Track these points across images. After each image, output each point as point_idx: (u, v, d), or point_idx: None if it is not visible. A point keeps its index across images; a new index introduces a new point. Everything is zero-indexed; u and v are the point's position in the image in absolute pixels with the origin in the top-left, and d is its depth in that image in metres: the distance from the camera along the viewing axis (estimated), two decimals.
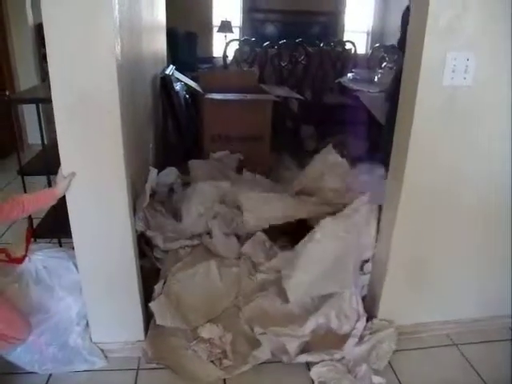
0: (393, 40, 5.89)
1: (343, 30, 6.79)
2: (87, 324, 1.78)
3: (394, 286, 1.88)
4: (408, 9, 3.03)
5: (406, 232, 1.77)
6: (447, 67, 1.49)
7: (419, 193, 1.70)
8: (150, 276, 2.10)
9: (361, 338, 1.81)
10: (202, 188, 2.50)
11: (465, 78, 1.52)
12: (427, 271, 1.90)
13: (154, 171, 2.48)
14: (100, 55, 1.37)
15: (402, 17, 3.05)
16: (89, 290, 1.72)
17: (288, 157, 3.91)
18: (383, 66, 3.89)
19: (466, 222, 1.83)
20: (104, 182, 1.54)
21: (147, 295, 1.90)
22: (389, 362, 1.81)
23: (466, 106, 1.58)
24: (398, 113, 1.66)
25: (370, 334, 1.82)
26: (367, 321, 1.89)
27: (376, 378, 1.65)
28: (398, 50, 3.33)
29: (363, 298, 2.07)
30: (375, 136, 4.11)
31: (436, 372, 1.82)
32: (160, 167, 2.70)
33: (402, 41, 3.15)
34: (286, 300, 1.92)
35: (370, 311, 1.97)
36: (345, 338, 1.79)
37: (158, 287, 2.02)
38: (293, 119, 4.44)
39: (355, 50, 5.29)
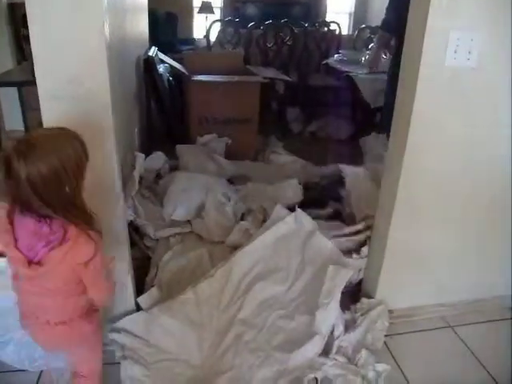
0: (376, 21, 5.84)
1: (326, 11, 6.70)
2: None
3: (391, 269, 1.87)
4: None
5: (404, 216, 1.75)
6: (450, 47, 1.44)
7: (419, 176, 1.67)
8: (140, 265, 2.05)
9: (353, 322, 1.79)
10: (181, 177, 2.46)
11: (468, 59, 1.48)
12: (424, 254, 1.88)
13: (141, 156, 2.40)
14: (89, 35, 1.28)
15: None
16: None
17: (275, 139, 3.86)
18: (370, 47, 3.84)
19: (465, 206, 1.81)
20: (94, 170, 1.45)
21: (138, 285, 1.84)
22: (387, 347, 1.80)
23: (467, 88, 1.54)
24: (399, 93, 1.62)
25: (362, 315, 1.80)
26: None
27: (380, 366, 1.63)
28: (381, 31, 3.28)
29: (360, 282, 2.07)
30: (362, 118, 4.10)
31: (434, 355, 1.82)
32: (145, 151, 2.63)
33: (387, 22, 3.12)
34: None
35: (368, 295, 1.96)
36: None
37: (149, 278, 1.97)
38: (278, 101, 4.38)
39: (340, 31, 5.22)
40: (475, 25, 1.46)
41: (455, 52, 1.45)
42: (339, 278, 1.75)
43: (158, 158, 2.66)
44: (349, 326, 1.77)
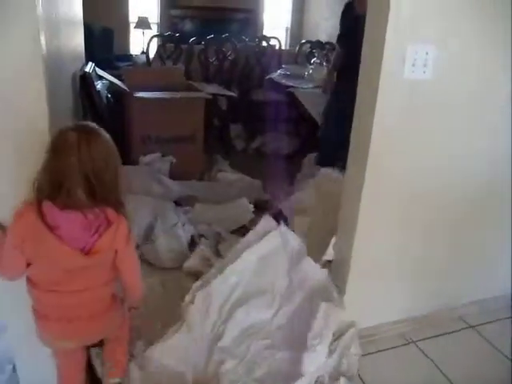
0: (311, 35, 5.97)
1: (263, 27, 6.77)
2: (14, 369, 1.47)
3: (355, 288, 1.81)
4: (349, 5, 2.99)
5: (368, 233, 1.71)
6: (408, 60, 1.43)
7: (382, 191, 1.64)
8: None
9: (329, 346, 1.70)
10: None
11: (424, 72, 1.47)
12: (383, 272, 1.85)
13: None
14: (23, 46, 1.13)
15: (343, 13, 3.01)
16: (16, 326, 1.39)
17: (220, 157, 3.77)
18: (312, 61, 3.86)
19: (427, 220, 1.81)
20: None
21: None
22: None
23: (425, 99, 1.54)
24: (357, 108, 1.58)
25: (335, 340, 1.72)
26: None
27: None
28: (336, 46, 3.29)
29: None
30: (307, 132, 4.10)
31: (401, 374, 1.78)
32: None
33: (342, 37, 3.13)
34: None
35: None
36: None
37: None
38: (221, 118, 4.30)
39: (280, 46, 5.25)
40: (429, 38, 1.46)
41: (413, 65, 1.44)
42: (331, 320, 1.64)
43: None
44: None
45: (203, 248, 2.09)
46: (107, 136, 1.10)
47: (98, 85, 3.36)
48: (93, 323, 1.23)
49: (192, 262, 2.00)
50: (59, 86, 2.11)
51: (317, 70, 3.78)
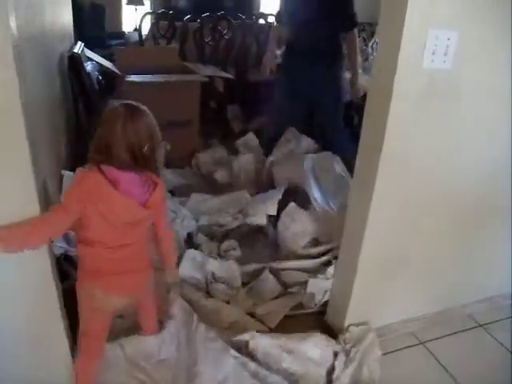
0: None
1: (259, 4, 6.52)
2: None
3: (362, 290, 1.71)
4: None
5: (377, 232, 1.59)
6: (428, 48, 1.29)
7: (394, 186, 1.52)
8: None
9: (347, 354, 1.61)
10: None
11: (444, 61, 1.33)
12: (394, 271, 1.75)
13: (69, 176, 2.08)
14: None
15: None
16: None
17: (217, 142, 3.62)
18: None
19: (440, 216, 1.70)
20: (9, 198, 1.14)
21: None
22: None
23: (444, 91, 1.40)
24: (369, 100, 1.44)
25: (353, 346, 1.63)
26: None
27: None
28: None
29: (325, 303, 1.90)
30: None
31: (412, 378, 1.70)
32: (75, 163, 2.29)
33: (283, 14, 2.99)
34: None
35: (336, 317, 1.81)
36: None
37: None
38: (217, 99, 4.13)
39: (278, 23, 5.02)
40: (451, 24, 1.31)
41: (433, 53, 1.29)
42: None
43: None
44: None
45: (193, 251, 1.97)
46: (150, 116, 1.24)
47: (88, 66, 3.19)
48: (137, 277, 1.38)
49: (181, 270, 1.86)
50: (42, 69, 1.96)
51: None
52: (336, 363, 1.53)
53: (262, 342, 1.53)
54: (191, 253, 1.95)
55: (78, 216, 1.17)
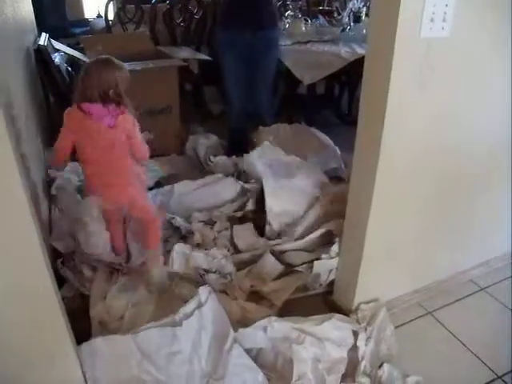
0: None
1: None
2: None
3: (369, 266, 1.69)
4: None
5: (382, 207, 1.56)
6: (426, 15, 1.23)
7: (397, 162, 1.48)
8: (75, 307, 1.67)
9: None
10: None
11: (443, 28, 1.28)
12: (399, 243, 1.73)
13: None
14: None
15: None
16: None
17: (197, 125, 3.53)
18: (287, 14, 3.58)
19: (443, 186, 1.69)
20: None
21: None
22: None
23: (442, 61, 1.36)
24: (368, 74, 1.39)
25: (368, 324, 1.61)
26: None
27: (411, 379, 1.48)
28: None
29: (330, 283, 1.89)
30: (287, 90, 3.87)
31: (423, 349, 1.71)
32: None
33: None
34: None
35: (343, 295, 1.80)
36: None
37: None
38: (192, 82, 4.01)
39: None
40: None
41: (431, 21, 1.24)
42: None
43: (75, 170, 2.23)
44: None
45: (181, 245, 1.91)
46: (119, 66, 1.72)
47: (56, 58, 3.04)
48: (120, 190, 1.82)
49: (174, 267, 1.82)
50: (8, 68, 1.85)
51: (294, 24, 3.50)
52: (358, 343, 1.51)
53: (280, 326, 1.50)
54: (179, 247, 1.89)
55: (73, 140, 1.71)
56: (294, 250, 2.01)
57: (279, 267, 1.95)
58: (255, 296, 1.85)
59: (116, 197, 1.82)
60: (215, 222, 2.19)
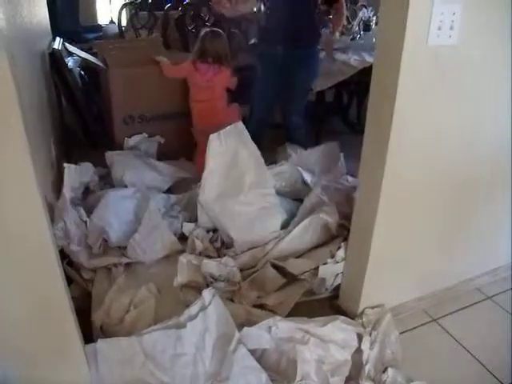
0: None
1: None
2: None
3: (375, 271, 1.70)
4: None
5: (388, 212, 1.57)
6: (433, 23, 1.25)
7: (404, 170, 1.50)
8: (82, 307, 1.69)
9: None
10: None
11: (450, 36, 1.30)
12: (405, 249, 1.74)
13: (70, 169, 2.03)
14: None
15: None
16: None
17: None
18: None
19: (450, 194, 1.69)
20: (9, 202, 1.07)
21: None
22: None
23: (450, 68, 1.38)
24: (376, 80, 1.41)
25: (373, 329, 1.62)
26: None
27: None
28: None
29: (336, 287, 1.90)
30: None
31: (427, 355, 1.70)
32: (64, 160, 2.24)
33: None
34: None
35: (349, 300, 1.81)
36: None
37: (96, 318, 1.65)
38: None
39: (260, 8, 4.93)
40: None
41: (439, 29, 1.27)
42: None
43: (86, 170, 2.27)
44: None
45: (187, 255, 1.91)
46: (224, 38, 2.74)
47: (69, 62, 3.10)
48: (216, 120, 2.52)
49: (179, 277, 1.81)
50: (27, 72, 1.89)
51: None
52: (362, 347, 1.52)
53: (285, 326, 1.51)
54: (185, 257, 1.89)
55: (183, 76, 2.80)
56: (294, 252, 2.02)
57: (280, 281, 1.92)
58: (260, 307, 1.83)
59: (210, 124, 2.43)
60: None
